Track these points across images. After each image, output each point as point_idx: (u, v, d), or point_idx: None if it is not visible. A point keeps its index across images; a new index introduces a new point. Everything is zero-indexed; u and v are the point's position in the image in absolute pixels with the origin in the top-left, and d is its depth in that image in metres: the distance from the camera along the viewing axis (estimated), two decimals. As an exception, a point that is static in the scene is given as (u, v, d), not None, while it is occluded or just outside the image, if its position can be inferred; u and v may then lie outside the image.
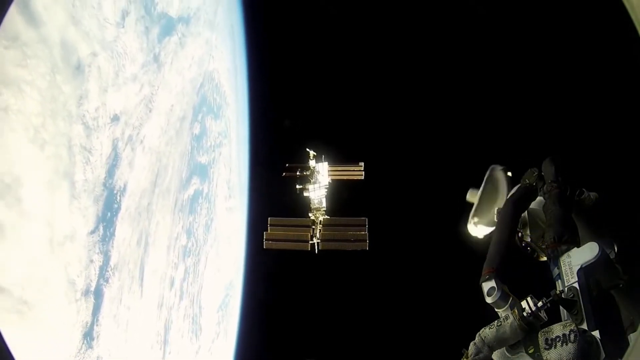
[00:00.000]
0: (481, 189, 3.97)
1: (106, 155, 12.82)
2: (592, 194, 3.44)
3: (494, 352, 2.85)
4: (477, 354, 2.82)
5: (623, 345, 2.63)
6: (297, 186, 7.68)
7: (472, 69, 12.63)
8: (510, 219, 3.45)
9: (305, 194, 7.68)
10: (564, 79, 10.41)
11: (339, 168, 8.00)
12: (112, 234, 13.14)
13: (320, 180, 7.72)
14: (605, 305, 2.84)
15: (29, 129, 10.18)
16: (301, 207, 7.71)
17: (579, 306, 2.76)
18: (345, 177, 8.03)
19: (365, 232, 7.32)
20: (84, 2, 12.01)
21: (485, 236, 3.88)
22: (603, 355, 2.58)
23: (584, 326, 2.68)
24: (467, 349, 2.87)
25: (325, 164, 7.83)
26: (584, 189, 3.45)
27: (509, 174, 3.96)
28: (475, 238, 3.95)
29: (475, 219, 3.94)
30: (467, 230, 4.03)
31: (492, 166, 4.04)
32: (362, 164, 8.03)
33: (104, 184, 12.77)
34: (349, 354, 14.06)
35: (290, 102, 15.90)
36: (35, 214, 10.34)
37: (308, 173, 7.72)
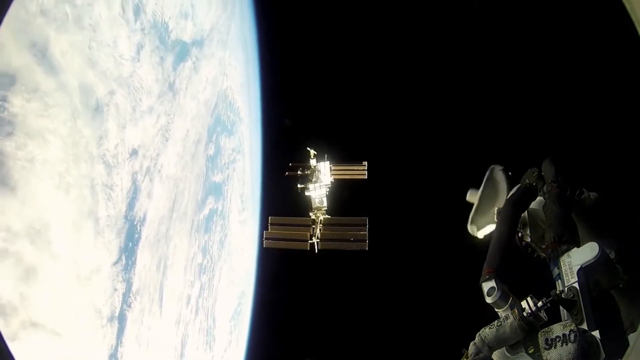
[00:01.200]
0: (481, 189, 3.96)
1: (126, 189, 13.11)
2: (592, 194, 3.44)
3: (494, 352, 2.85)
4: (477, 354, 2.82)
5: (623, 345, 2.62)
6: (299, 185, 7.67)
7: (474, 69, 12.64)
8: (510, 219, 3.44)
9: (306, 193, 7.67)
10: (565, 79, 10.39)
11: (342, 167, 7.97)
12: (134, 262, 13.49)
13: (321, 179, 7.70)
14: (605, 305, 2.83)
15: (54, 176, 10.55)
16: (304, 206, 7.71)
17: (579, 306, 2.75)
18: (348, 177, 8.02)
19: (365, 232, 7.28)
20: (99, 42, 12.16)
21: (486, 236, 3.88)
22: (603, 355, 2.57)
23: (584, 326, 2.68)
24: (467, 349, 2.88)
25: (327, 163, 7.82)
26: (584, 189, 3.45)
27: (510, 173, 3.95)
28: (476, 238, 3.95)
29: (475, 219, 3.94)
30: (468, 230, 4.03)
31: (492, 166, 4.03)
32: (365, 163, 8.02)
33: (125, 217, 13.10)
34: (349, 354, 14.05)
35: (298, 102, 16.00)
36: (63, 253, 10.72)
37: (309, 172, 7.71)
